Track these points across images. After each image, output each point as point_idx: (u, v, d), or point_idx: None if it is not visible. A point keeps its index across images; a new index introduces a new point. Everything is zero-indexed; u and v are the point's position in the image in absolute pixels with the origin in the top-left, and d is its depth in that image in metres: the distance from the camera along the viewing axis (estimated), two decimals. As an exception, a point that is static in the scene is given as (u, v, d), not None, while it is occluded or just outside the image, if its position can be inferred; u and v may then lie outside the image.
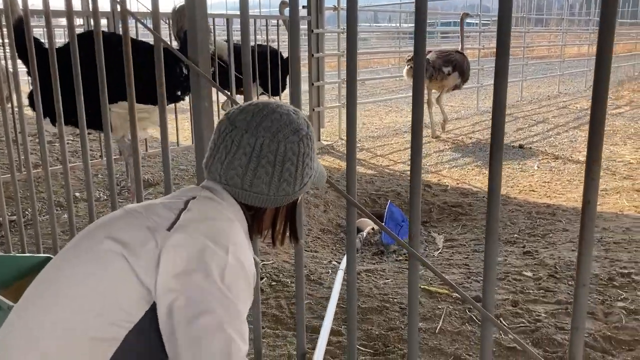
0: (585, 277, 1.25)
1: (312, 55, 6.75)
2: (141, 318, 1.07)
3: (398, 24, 21.95)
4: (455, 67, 7.47)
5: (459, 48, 7.99)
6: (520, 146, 6.88)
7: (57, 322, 1.06)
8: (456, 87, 7.80)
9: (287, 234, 1.39)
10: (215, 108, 2.85)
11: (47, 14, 2.35)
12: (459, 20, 8.49)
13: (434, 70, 7.27)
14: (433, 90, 7.67)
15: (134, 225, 1.14)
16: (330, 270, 3.30)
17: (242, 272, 1.13)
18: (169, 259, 1.08)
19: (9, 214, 3.54)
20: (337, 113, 7.83)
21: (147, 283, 1.07)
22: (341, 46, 7.56)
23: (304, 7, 6.84)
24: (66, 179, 2.58)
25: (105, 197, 4.64)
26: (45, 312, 1.08)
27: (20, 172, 4.48)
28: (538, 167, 5.85)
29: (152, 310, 1.08)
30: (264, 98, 6.17)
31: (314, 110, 7.00)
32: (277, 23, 7.02)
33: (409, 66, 7.43)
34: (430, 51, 7.59)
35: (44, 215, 3.96)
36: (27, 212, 3.89)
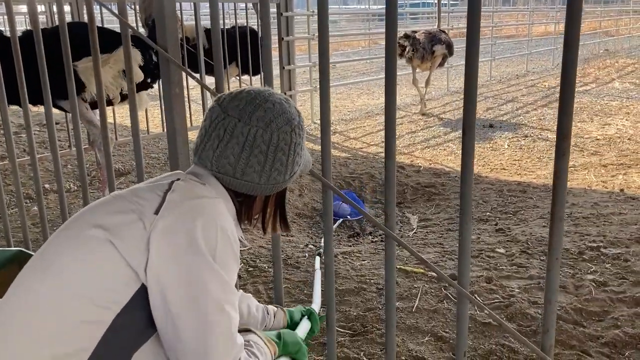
0: (557, 251, 1.28)
1: (282, 38, 6.70)
2: (130, 299, 1.08)
3: (367, 6, 21.89)
4: (447, 44, 7.62)
5: (437, 27, 8.12)
6: (491, 125, 6.97)
7: (48, 308, 1.07)
8: (442, 64, 7.97)
9: (278, 221, 1.40)
10: (185, 94, 2.82)
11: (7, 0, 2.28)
12: (436, 1, 8.58)
13: (424, 51, 7.40)
14: (417, 70, 7.78)
15: (119, 209, 1.15)
16: (307, 254, 3.31)
17: (229, 243, 1.15)
18: (159, 242, 1.09)
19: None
20: (309, 97, 7.81)
21: (134, 265, 1.08)
22: (311, 29, 7.51)
23: (272, -10, 6.77)
24: (35, 171, 2.52)
25: (75, 188, 4.56)
26: (35, 299, 1.08)
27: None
28: (508, 146, 5.94)
29: (140, 292, 1.09)
30: (242, 79, 6.16)
31: (285, 94, 6.96)
32: (246, 7, 6.93)
33: (408, 56, 7.50)
34: (415, 31, 7.67)
35: (12, 209, 3.88)
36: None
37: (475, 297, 2.63)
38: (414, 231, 3.92)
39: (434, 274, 2.70)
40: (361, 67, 14.43)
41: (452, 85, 10.30)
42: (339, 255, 3.28)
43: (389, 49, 1.41)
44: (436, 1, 9.03)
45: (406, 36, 7.50)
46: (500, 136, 6.39)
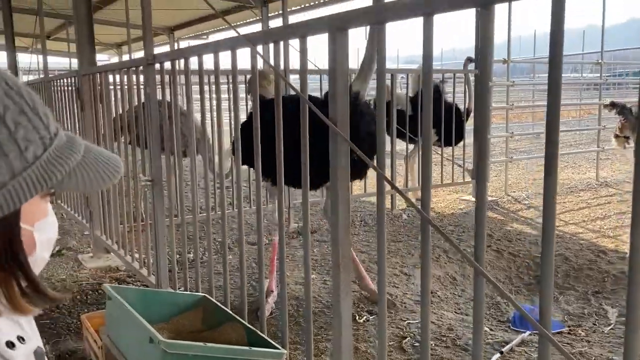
0: None
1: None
2: None
3: (580, 74, 20.61)
4: None
5: None
6: None
7: None
8: None
9: (16, 282, 0.72)
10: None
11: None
12: None
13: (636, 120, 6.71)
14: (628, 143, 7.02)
15: None
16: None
17: None
18: None
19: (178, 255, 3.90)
20: (504, 167, 7.49)
21: None
22: (510, 98, 7.27)
23: (471, 60, 6.74)
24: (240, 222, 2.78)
25: (267, 242, 4.90)
26: None
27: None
28: None
29: None
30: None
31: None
32: (454, 76, 6.85)
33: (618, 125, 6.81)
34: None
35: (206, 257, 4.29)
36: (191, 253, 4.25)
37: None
38: (610, 326, 3.44)
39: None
40: (568, 139, 13.46)
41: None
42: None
43: None
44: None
45: (613, 105, 6.82)
46: None
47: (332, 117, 1.72)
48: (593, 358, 2.75)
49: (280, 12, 11.22)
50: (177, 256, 3.30)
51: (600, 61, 8.58)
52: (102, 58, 20.63)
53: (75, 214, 5.32)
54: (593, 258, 4.52)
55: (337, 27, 1.65)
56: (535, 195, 7.13)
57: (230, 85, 3.12)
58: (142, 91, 3.27)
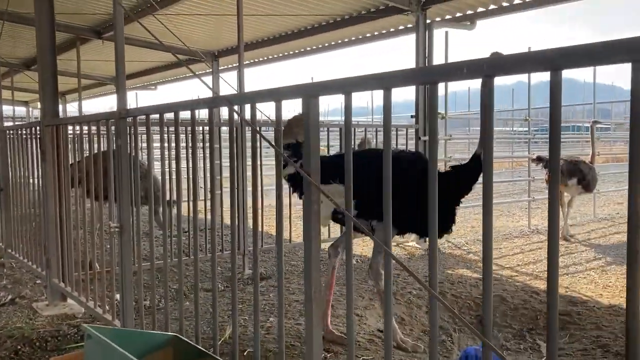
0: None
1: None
2: None
3: (512, 128, 21.91)
4: (579, 180, 7.37)
5: (589, 156, 7.76)
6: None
7: None
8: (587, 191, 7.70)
9: None
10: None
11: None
12: (589, 127, 8.29)
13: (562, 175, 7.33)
14: (565, 194, 7.62)
15: None
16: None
17: None
18: None
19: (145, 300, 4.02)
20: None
21: None
22: (448, 151, 7.82)
23: (412, 116, 7.31)
24: (196, 270, 2.98)
25: (222, 288, 5.06)
26: None
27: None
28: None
29: None
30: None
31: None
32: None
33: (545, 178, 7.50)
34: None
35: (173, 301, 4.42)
36: (157, 298, 4.37)
37: None
38: (543, 359, 3.79)
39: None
40: (502, 189, 14.29)
41: (599, 211, 9.84)
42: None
43: (553, 172, 1.42)
44: (589, 126, 8.64)
45: (539, 159, 7.48)
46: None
47: (305, 165, 2.02)
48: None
49: (230, 65, 11.63)
50: (145, 301, 3.44)
51: (528, 118, 9.35)
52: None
53: (29, 262, 5.31)
54: (527, 298, 4.93)
55: (310, 95, 1.97)
56: (473, 241, 7.61)
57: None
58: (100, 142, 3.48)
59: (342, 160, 1.90)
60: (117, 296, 3.73)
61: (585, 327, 4.29)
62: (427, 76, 1.71)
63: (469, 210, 9.89)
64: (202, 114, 13.17)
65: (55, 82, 4.72)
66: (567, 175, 7.32)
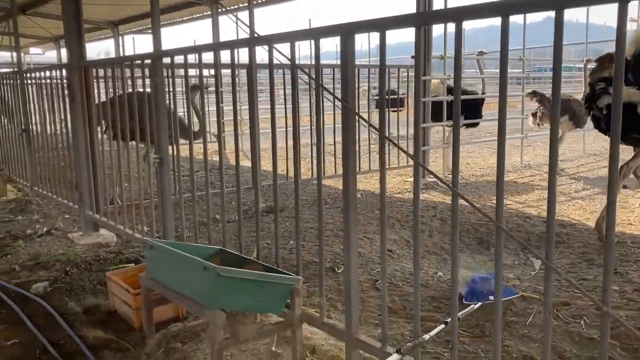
0: None
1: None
2: None
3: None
4: (570, 116, 7.75)
5: (582, 95, 8.09)
6: (624, 186, 7.02)
7: None
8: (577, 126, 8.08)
9: None
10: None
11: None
12: (583, 66, 8.58)
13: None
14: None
15: None
16: (436, 279, 3.86)
17: None
18: None
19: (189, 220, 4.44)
20: (441, 153, 8.38)
21: None
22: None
23: (412, 57, 7.60)
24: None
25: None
26: None
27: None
28: (639, 205, 6.03)
29: None
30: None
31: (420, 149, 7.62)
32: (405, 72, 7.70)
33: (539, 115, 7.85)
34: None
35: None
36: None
37: (584, 320, 3.02)
38: (535, 271, 4.29)
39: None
40: (494, 128, 14.66)
41: (588, 148, 10.29)
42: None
43: (554, 106, 1.81)
44: (581, 66, 8.83)
45: (534, 93, 7.81)
46: (633, 196, 6.47)
47: (343, 96, 2.38)
48: (524, 288, 3.57)
49: (230, 7, 11.70)
50: (187, 222, 3.85)
51: (522, 57, 9.63)
52: (36, 52, 20.23)
53: (59, 198, 5.69)
54: (521, 222, 5.41)
55: (346, 32, 2.31)
56: (468, 176, 8.06)
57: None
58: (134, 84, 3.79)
59: None
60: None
61: (573, 245, 4.78)
62: (458, 14, 1.96)
63: (464, 148, 10.32)
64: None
65: (80, 25, 4.96)
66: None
